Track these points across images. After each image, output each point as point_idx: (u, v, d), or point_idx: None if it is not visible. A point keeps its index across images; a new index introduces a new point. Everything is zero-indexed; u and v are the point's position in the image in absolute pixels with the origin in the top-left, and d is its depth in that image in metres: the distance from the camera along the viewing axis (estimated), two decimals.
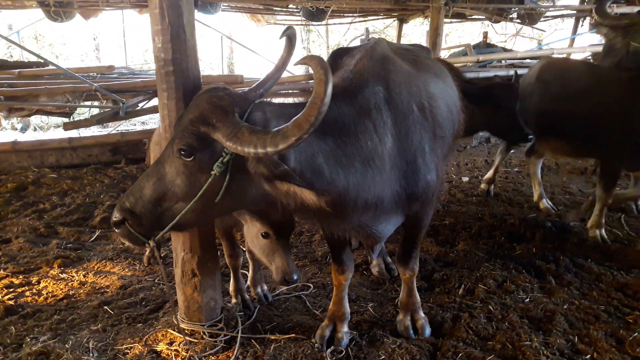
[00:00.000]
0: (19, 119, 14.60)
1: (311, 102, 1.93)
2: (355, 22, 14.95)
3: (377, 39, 3.40)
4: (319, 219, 2.80)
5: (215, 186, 2.26)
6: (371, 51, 3.03)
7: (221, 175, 2.24)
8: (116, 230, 2.49)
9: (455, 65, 10.55)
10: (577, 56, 13.10)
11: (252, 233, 2.96)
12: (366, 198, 2.57)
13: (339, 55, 3.60)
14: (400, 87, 2.83)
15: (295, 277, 2.88)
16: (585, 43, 13.98)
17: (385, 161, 2.63)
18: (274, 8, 12.84)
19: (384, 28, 19.51)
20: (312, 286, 4.10)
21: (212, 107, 2.23)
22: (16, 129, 15.62)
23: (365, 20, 15.19)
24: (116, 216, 2.45)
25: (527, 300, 3.72)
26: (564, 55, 13.32)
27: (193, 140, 2.23)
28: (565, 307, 3.60)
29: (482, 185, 6.70)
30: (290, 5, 12.44)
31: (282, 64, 2.80)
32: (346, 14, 13.64)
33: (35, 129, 15.82)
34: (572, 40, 14.25)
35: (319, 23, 13.68)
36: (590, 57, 12.56)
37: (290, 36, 2.76)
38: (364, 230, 2.92)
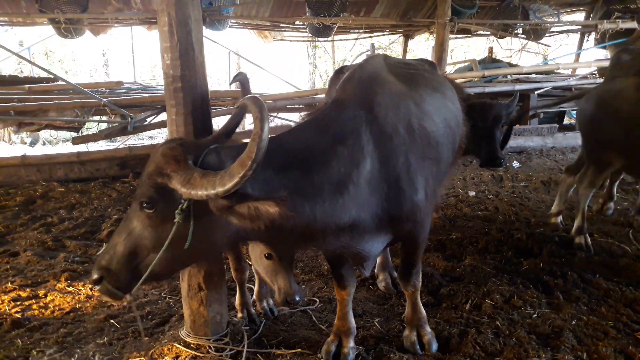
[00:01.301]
0: (28, 133, 14.76)
1: (251, 140, 2.00)
2: (361, 38, 15.08)
3: (372, 55, 3.43)
4: (297, 243, 2.78)
5: (181, 233, 2.29)
6: (358, 72, 3.02)
7: (184, 222, 2.27)
8: (96, 287, 2.48)
9: (461, 80, 10.65)
10: (582, 71, 13.16)
11: (256, 253, 2.98)
12: (338, 223, 2.56)
13: (342, 72, 3.64)
14: (385, 108, 2.80)
15: (297, 298, 2.89)
16: (590, 58, 14.03)
17: (361, 186, 2.61)
18: (281, 25, 13.01)
19: (389, 44, 19.65)
20: (318, 301, 4.09)
21: (165, 158, 2.27)
22: (25, 143, 15.78)
23: (371, 37, 15.33)
24: (94, 275, 2.45)
25: (535, 315, 3.69)
26: (569, 71, 13.42)
27: (152, 192, 2.29)
28: (573, 323, 3.56)
29: (577, 240, 5.21)
30: (297, 22, 12.59)
31: (242, 108, 2.70)
32: (352, 30, 13.79)
33: (44, 143, 15.98)
34: (578, 55, 14.30)
35: (325, 39, 13.83)
36: (595, 72, 12.60)
37: (241, 81, 2.80)
38: (348, 249, 2.90)
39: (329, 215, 2.50)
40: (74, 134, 10.45)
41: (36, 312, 3.98)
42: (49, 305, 4.11)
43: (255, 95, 2.20)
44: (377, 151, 2.68)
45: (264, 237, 2.42)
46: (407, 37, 14.42)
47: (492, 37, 15.58)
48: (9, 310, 3.98)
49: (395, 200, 2.75)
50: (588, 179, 5.19)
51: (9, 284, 4.44)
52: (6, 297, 4.21)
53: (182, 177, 2.18)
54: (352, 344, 3.26)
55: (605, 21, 11.81)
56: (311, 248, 2.81)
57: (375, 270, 4.41)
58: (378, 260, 4.39)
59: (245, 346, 3.29)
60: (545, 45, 16.15)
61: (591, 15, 13.39)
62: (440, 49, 9.46)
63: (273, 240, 2.66)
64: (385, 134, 2.73)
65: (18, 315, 3.87)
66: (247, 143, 2.37)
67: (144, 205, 2.31)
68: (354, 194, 2.58)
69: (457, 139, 3.60)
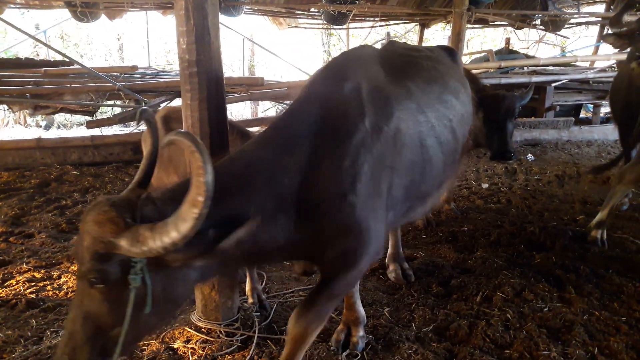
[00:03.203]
0: (43, 116, 14.90)
1: (195, 176, 1.81)
2: (376, 27, 14.95)
3: (359, 46, 3.18)
4: (241, 266, 2.68)
5: (141, 298, 2.04)
6: (324, 69, 2.87)
7: (142, 284, 2.02)
8: None
9: (477, 71, 10.54)
10: (600, 64, 12.95)
11: None
12: (277, 239, 2.36)
13: None
14: (337, 110, 2.53)
15: None
16: (609, 51, 13.79)
17: (287, 204, 2.36)
18: (296, 11, 12.91)
19: (405, 33, 19.48)
20: None
21: (100, 225, 2.00)
22: (40, 126, 15.95)
23: (386, 25, 15.20)
24: None
25: (546, 309, 3.67)
26: (588, 64, 13.22)
27: (97, 265, 2.00)
28: (585, 317, 3.54)
29: (592, 233, 5.03)
30: (312, 9, 12.50)
31: (154, 148, 2.43)
32: (368, 18, 13.66)
33: (58, 127, 16.13)
34: (597, 47, 14.07)
35: (340, 27, 13.72)
36: (614, 66, 12.39)
37: (148, 118, 2.44)
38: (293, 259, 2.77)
39: (271, 235, 2.33)
40: (89, 118, 10.53)
41: (50, 293, 4.04)
42: (63, 286, 4.17)
43: (181, 130, 2.02)
44: (325, 155, 2.42)
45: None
46: (424, 26, 14.26)
47: (509, 28, 15.38)
48: (24, 290, 4.04)
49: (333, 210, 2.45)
50: (633, 175, 4.85)
51: (24, 265, 4.51)
52: (21, 277, 4.27)
53: (127, 238, 1.94)
54: (361, 332, 3.27)
55: (627, 14, 11.57)
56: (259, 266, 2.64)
57: (386, 261, 4.41)
58: (389, 251, 4.38)
59: (256, 332, 3.31)
60: (564, 37, 15.92)
61: (612, 7, 13.14)
62: (457, 38, 9.32)
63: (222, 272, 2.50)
64: (332, 139, 2.45)
65: (32, 296, 3.93)
66: (178, 184, 2.25)
67: (92, 281, 2.00)
68: (294, 207, 2.37)
69: (459, 135, 3.28)
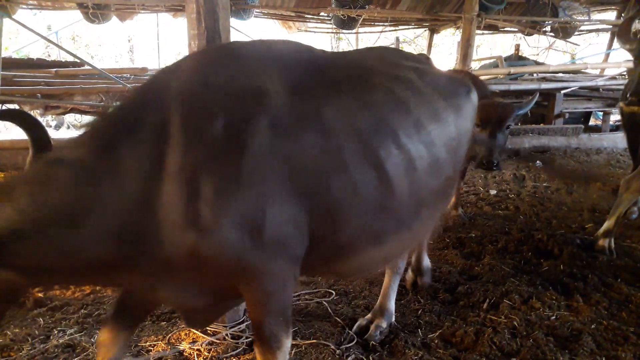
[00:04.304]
0: (53, 116, 15.01)
1: None
2: (386, 32, 14.96)
3: (271, 39, 2.50)
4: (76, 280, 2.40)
5: None
6: (178, 61, 2.33)
7: None
8: None
9: (486, 77, 10.51)
10: (611, 71, 12.89)
11: None
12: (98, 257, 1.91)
13: None
14: (175, 109, 1.99)
15: None
16: (620, 58, 13.73)
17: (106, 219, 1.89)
18: (306, 15, 12.96)
19: (414, 38, 19.47)
20: (334, 293, 4.09)
21: None
22: (50, 126, 16.05)
23: (395, 30, 15.20)
24: None
25: (553, 317, 3.65)
26: (598, 71, 13.16)
27: None
28: (592, 326, 3.51)
29: (600, 242, 4.98)
30: (322, 13, 12.53)
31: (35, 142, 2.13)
32: (377, 23, 13.68)
33: (68, 127, 16.23)
34: (607, 55, 14.01)
35: (350, 31, 13.74)
36: (624, 73, 12.33)
37: (11, 115, 2.11)
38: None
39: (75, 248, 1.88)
40: None
41: (57, 292, 4.06)
42: (70, 286, 4.19)
43: None
44: (157, 162, 1.93)
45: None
46: (433, 31, 14.26)
47: (519, 34, 15.35)
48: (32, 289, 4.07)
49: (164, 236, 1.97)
50: None
51: None
52: None
53: None
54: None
55: (637, 21, 11.51)
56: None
57: None
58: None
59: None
60: (574, 44, 15.85)
61: (622, 14, 13.09)
62: (467, 44, 9.31)
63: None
64: (173, 143, 1.94)
65: (40, 295, 3.95)
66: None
67: None
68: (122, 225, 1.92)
69: (416, 175, 2.44)
